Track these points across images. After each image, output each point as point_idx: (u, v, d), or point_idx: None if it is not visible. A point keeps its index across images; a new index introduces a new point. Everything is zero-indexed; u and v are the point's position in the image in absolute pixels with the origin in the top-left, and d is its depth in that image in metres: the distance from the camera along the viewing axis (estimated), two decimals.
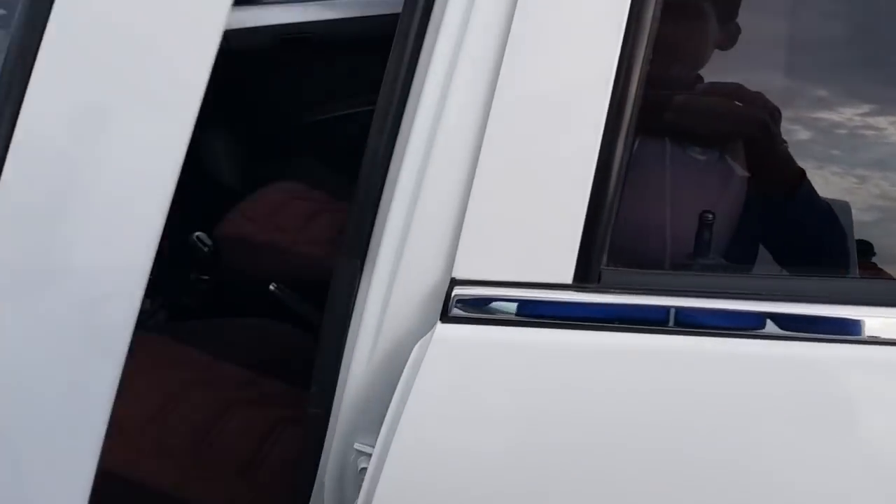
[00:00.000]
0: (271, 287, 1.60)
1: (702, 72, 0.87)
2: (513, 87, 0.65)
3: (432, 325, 0.65)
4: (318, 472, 0.75)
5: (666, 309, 0.63)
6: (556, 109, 0.65)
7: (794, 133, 0.86)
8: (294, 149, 2.32)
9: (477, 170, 0.65)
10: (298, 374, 1.30)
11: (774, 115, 0.83)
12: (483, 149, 0.65)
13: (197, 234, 1.57)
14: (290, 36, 2.15)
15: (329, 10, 2.15)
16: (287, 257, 1.69)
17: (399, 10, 2.12)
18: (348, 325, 0.72)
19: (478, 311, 0.65)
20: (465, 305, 0.65)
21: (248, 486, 1.10)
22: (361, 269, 0.71)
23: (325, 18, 2.14)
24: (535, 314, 0.65)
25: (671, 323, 0.63)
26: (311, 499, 0.76)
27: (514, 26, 0.64)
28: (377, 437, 0.68)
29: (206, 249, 1.56)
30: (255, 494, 1.09)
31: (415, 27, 0.69)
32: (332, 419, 0.73)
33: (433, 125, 0.67)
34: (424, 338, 0.65)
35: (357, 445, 0.70)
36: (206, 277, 1.60)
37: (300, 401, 1.25)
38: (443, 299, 0.65)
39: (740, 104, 0.88)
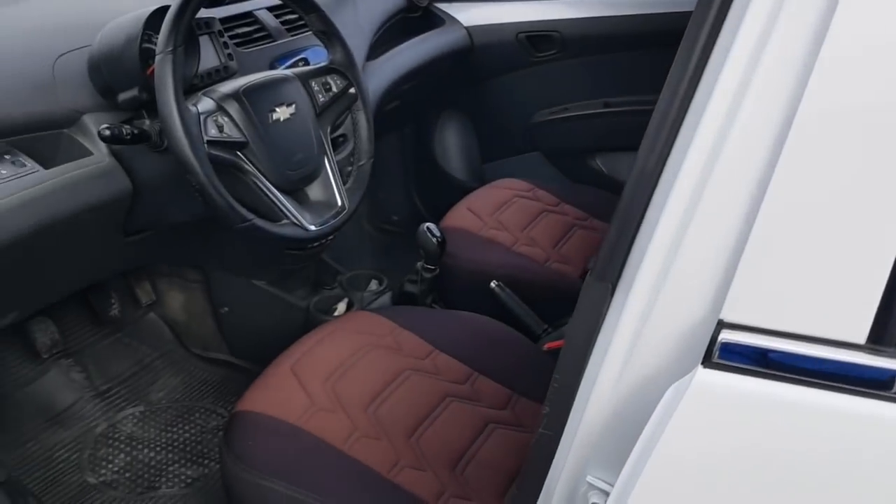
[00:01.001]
0: (492, 285, 1.61)
1: None
2: (822, 99, 0.56)
3: (691, 368, 0.60)
4: (542, 495, 0.73)
5: None
6: (876, 132, 0.55)
7: None
8: (524, 146, 2.32)
9: (765, 197, 0.57)
10: (511, 376, 1.31)
11: None
12: (776, 173, 0.57)
13: (427, 224, 1.61)
14: (530, 33, 2.15)
15: (573, 8, 2.12)
16: (506, 255, 1.69)
17: (655, 10, 2.04)
18: (591, 350, 0.68)
19: (747, 360, 0.58)
20: (732, 352, 0.59)
21: (456, 481, 1.11)
22: (612, 294, 0.67)
23: (568, 17, 2.11)
24: (814, 373, 0.57)
25: None
26: None
27: (833, 25, 0.54)
28: (612, 474, 0.64)
29: (434, 241, 1.59)
30: (461, 490, 1.10)
31: (708, 25, 0.61)
32: (562, 444, 0.70)
33: (717, 143, 0.59)
34: (682, 380, 0.60)
35: (590, 478, 0.67)
36: (432, 267, 1.63)
37: (511, 403, 1.26)
38: (707, 342, 0.60)
39: None
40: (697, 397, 0.59)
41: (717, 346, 0.59)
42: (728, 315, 0.59)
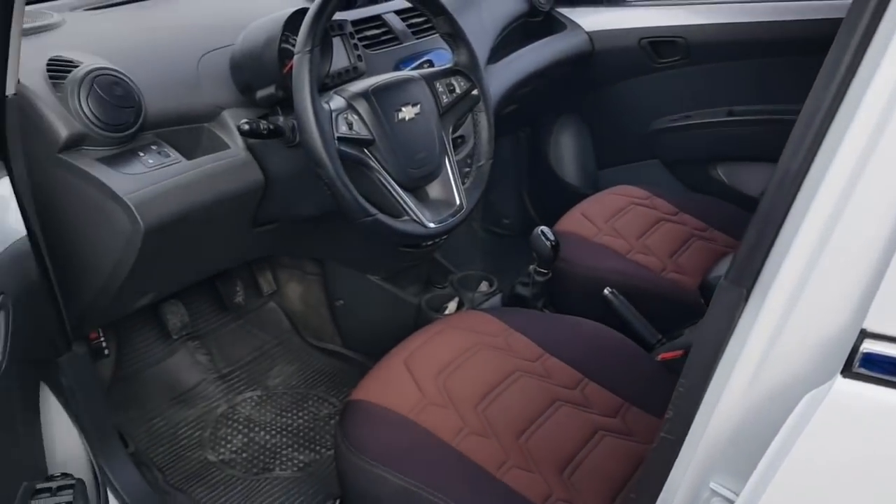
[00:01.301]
0: (606, 291, 1.59)
1: None
2: None
3: (829, 378, 0.58)
4: (659, 501, 0.72)
5: None
6: None
7: None
8: (641, 153, 2.28)
9: None
10: (623, 385, 1.29)
11: None
12: None
13: (541, 228, 1.61)
14: (654, 38, 2.11)
15: (699, 14, 2.07)
16: (621, 263, 1.67)
17: (786, 18, 1.96)
18: (721, 355, 0.67)
19: (890, 371, 0.56)
20: (874, 363, 0.56)
21: (563, 486, 1.10)
22: (747, 299, 0.65)
23: (694, 23, 2.06)
24: None
25: None
26: None
27: None
28: (738, 481, 0.63)
29: (548, 244, 1.59)
30: (568, 495, 1.09)
31: (863, 25, 0.59)
32: (685, 450, 0.69)
33: (868, 146, 0.57)
34: (819, 389, 0.58)
35: (713, 485, 0.65)
36: (545, 271, 1.63)
37: (621, 412, 1.24)
38: (847, 351, 0.57)
39: None
40: (835, 407, 0.57)
41: (858, 356, 0.57)
42: (872, 325, 0.57)
